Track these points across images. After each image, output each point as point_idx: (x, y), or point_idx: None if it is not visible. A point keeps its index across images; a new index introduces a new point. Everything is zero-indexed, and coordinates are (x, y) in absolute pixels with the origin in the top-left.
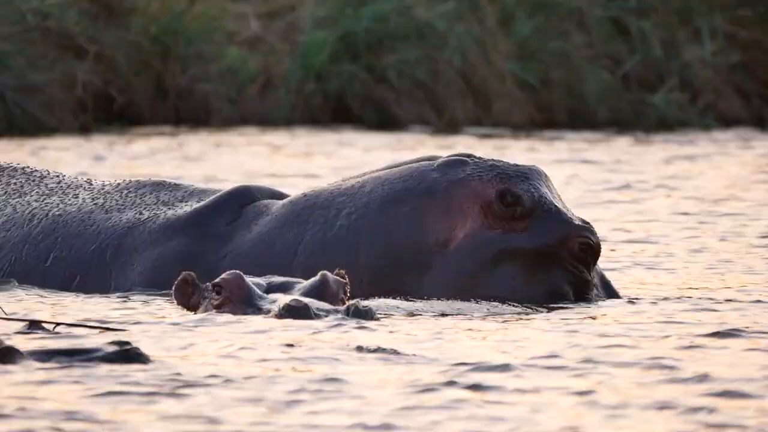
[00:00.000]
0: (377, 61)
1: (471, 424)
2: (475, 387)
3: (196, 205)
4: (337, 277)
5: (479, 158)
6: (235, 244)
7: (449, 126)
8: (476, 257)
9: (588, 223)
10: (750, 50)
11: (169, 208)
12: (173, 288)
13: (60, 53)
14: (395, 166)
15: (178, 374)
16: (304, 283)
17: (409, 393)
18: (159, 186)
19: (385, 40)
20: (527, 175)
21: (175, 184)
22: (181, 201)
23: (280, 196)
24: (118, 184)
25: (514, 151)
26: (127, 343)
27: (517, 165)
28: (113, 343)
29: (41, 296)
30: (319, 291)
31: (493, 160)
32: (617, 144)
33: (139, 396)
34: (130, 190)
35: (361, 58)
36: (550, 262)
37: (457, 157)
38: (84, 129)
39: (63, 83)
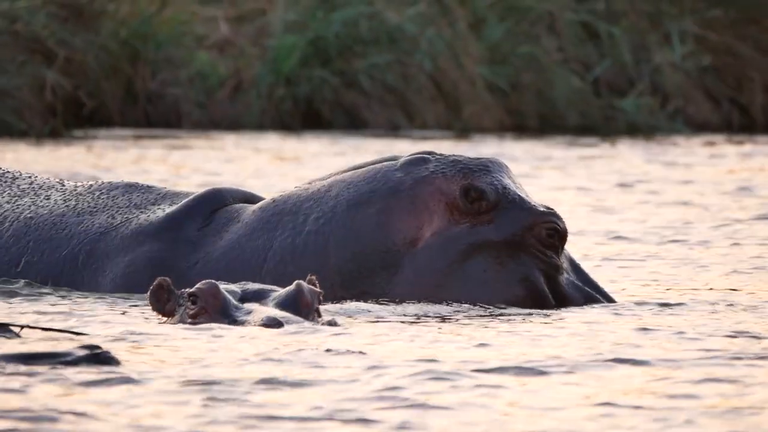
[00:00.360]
0: (348, 66)
1: (441, 426)
2: (444, 389)
3: (167, 210)
4: (312, 287)
5: (440, 155)
6: (206, 250)
7: (420, 131)
8: (445, 254)
9: (552, 209)
10: (720, 54)
11: (142, 212)
12: (149, 293)
13: (29, 57)
14: (359, 167)
15: (149, 378)
16: (279, 292)
17: (376, 395)
18: (131, 188)
19: (356, 44)
20: (489, 168)
21: (147, 186)
22: (153, 204)
23: (252, 198)
24: (90, 185)
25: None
26: (98, 347)
27: (479, 158)
28: (84, 346)
29: (10, 300)
30: (293, 301)
31: (454, 155)
32: (586, 147)
33: (110, 399)
34: (102, 191)
35: (331, 63)
36: (518, 251)
37: (419, 155)
38: (54, 133)
39: (33, 87)
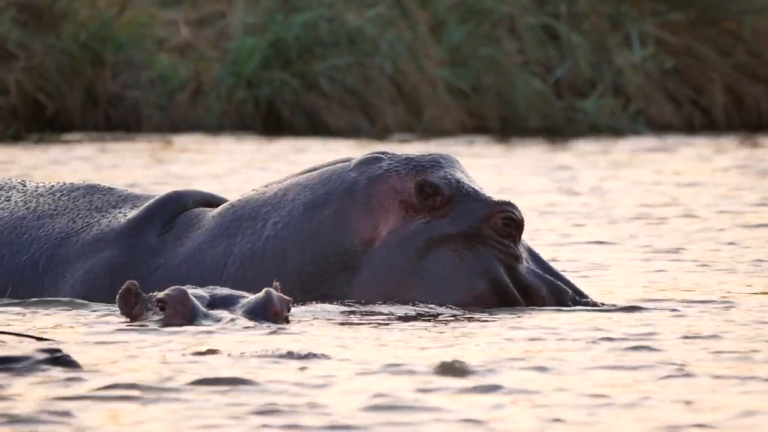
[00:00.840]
0: (308, 68)
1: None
2: (402, 389)
3: (128, 215)
4: (282, 295)
5: (393, 154)
6: (166, 256)
7: (381, 133)
8: (403, 251)
9: (507, 200)
10: (681, 56)
11: (103, 216)
12: (117, 296)
13: None
14: (314, 169)
15: (108, 381)
16: (249, 299)
17: (343, 397)
18: (92, 190)
19: (316, 47)
20: (441, 164)
21: (108, 188)
22: (114, 207)
23: (213, 199)
24: (52, 186)
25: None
26: (58, 350)
27: (431, 154)
28: (43, 350)
29: None
30: (262, 308)
31: (406, 153)
32: (547, 149)
33: (70, 401)
34: (63, 192)
35: (291, 65)
36: (476, 243)
37: (372, 155)
38: (16, 137)
39: None
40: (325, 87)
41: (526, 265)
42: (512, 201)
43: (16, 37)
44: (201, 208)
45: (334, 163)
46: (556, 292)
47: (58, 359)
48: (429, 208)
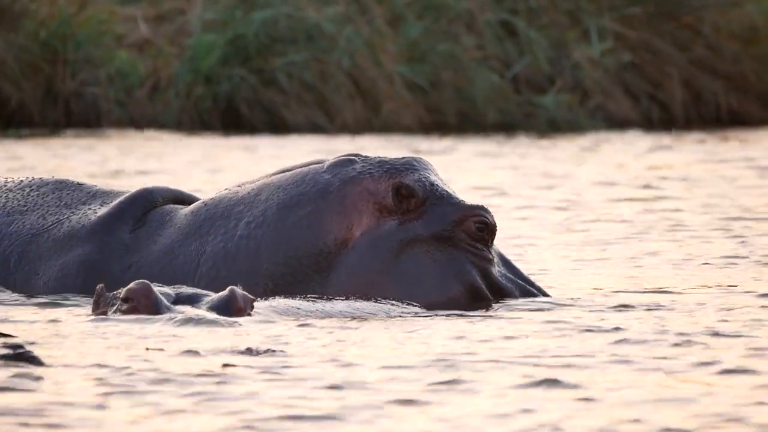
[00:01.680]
0: (267, 64)
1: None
2: (351, 386)
3: (99, 212)
4: (245, 293)
5: (366, 156)
6: (139, 255)
7: (340, 130)
8: (377, 252)
9: (480, 204)
10: (639, 51)
11: (73, 213)
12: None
13: None
14: (287, 170)
15: (72, 377)
16: (212, 297)
17: (300, 394)
18: (61, 185)
19: (275, 43)
20: (415, 167)
21: (77, 184)
22: (83, 203)
23: (182, 196)
24: (21, 181)
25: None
26: (21, 346)
27: (404, 157)
28: (6, 346)
29: None
30: (226, 306)
31: (379, 156)
32: (507, 145)
33: (32, 398)
34: (32, 188)
35: (250, 62)
36: (449, 246)
37: (346, 157)
38: None
39: None
40: (283, 83)
41: (498, 269)
42: (484, 205)
43: None
44: (172, 206)
45: (307, 165)
46: (529, 296)
47: (21, 355)
48: (403, 210)
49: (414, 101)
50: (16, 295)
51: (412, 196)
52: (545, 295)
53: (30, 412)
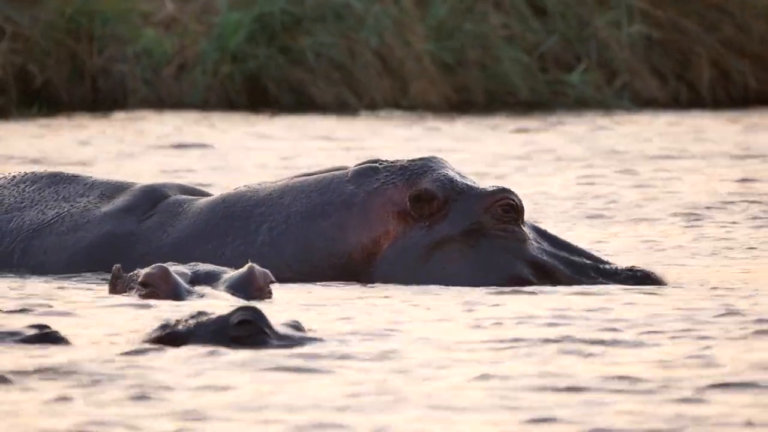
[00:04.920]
0: (294, 43)
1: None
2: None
3: (102, 206)
4: (264, 270)
5: (387, 162)
6: (150, 245)
7: (368, 108)
8: (406, 261)
9: (502, 186)
10: (667, 30)
11: (72, 206)
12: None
13: None
14: (309, 175)
15: (98, 357)
16: (231, 274)
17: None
18: (56, 179)
19: (302, 21)
20: (432, 167)
21: (72, 176)
22: (82, 196)
23: (191, 190)
24: (14, 177)
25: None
26: (47, 326)
27: (422, 159)
28: (32, 326)
29: None
30: (245, 284)
31: (400, 161)
32: (533, 123)
33: (61, 377)
34: (27, 183)
35: (277, 40)
36: (480, 237)
37: (368, 165)
38: (3, 112)
39: None
40: (311, 61)
41: (536, 245)
42: (507, 187)
43: (1, 10)
44: (183, 197)
45: (330, 170)
46: (575, 266)
47: (47, 335)
48: (427, 215)
49: (441, 79)
50: (32, 276)
51: (433, 198)
52: (592, 258)
53: (56, 390)
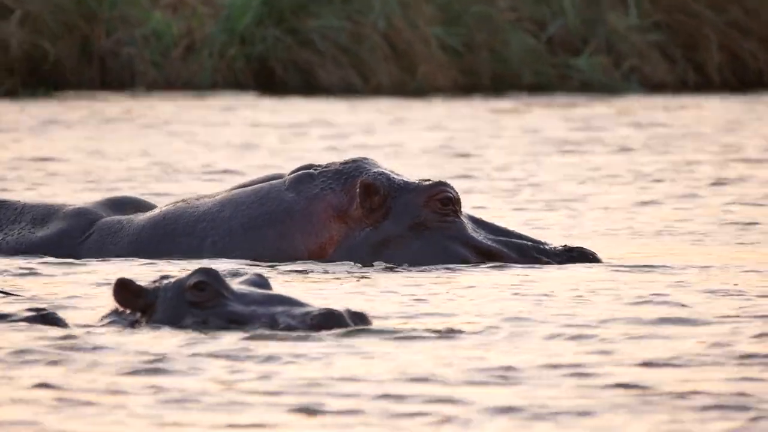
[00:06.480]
0: (301, 25)
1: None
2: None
3: (40, 233)
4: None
5: (321, 167)
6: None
7: (375, 91)
8: (353, 262)
9: (439, 180)
10: (675, 13)
11: (6, 234)
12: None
13: None
14: (246, 185)
15: (99, 341)
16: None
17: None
18: None
19: (309, 3)
20: (366, 167)
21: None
22: (14, 222)
23: (129, 202)
24: None
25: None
26: (43, 308)
27: (354, 161)
28: (30, 309)
29: None
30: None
31: (333, 164)
32: (541, 107)
33: (57, 357)
34: None
35: (285, 22)
36: (423, 230)
37: (304, 172)
38: (10, 92)
39: None
40: (318, 44)
41: (478, 234)
42: (443, 180)
43: None
44: (119, 217)
45: (266, 179)
46: (517, 248)
47: (45, 317)
48: (368, 210)
49: (449, 63)
50: (29, 258)
51: (375, 193)
52: (531, 240)
53: (54, 372)
